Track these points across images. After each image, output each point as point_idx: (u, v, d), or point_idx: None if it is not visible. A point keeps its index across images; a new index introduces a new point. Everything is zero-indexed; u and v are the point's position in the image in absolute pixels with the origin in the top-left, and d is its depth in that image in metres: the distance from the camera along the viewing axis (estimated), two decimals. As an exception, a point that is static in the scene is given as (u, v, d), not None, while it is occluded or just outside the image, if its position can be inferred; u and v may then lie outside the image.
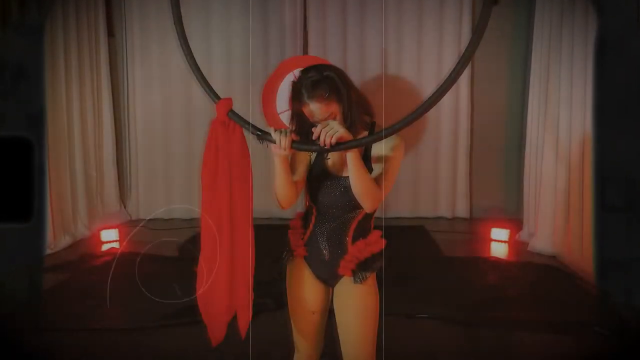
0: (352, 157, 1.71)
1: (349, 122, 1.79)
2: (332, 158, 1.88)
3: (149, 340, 3.22)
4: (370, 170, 1.84)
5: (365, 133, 1.86)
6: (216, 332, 1.90)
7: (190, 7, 5.95)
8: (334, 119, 1.76)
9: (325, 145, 1.67)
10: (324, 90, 1.75)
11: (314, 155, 1.91)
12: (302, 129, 1.85)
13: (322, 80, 1.76)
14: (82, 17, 5.57)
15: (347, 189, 1.81)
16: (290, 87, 1.82)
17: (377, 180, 1.81)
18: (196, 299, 1.89)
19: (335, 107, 1.77)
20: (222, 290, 1.85)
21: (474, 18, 6.06)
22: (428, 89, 6.08)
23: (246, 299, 1.85)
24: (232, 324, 1.90)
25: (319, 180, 1.89)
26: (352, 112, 1.79)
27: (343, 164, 1.86)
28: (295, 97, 1.79)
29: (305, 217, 1.99)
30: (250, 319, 1.87)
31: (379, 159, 1.85)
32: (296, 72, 1.90)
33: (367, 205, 1.82)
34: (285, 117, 5.36)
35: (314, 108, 1.75)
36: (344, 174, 1.85)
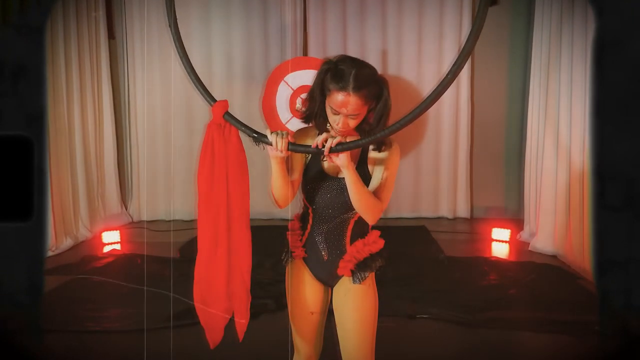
0: (348, 175, 1.71)
1: (366, 132, 1.78)
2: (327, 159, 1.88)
3: (149, 343, 3.23)
4: (367, 173, 1.84)
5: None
6: (214, 334, 1.90)
7: (190, 8, 5.96)
8: (354, 119, 1.74)
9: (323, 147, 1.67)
10: (371, 92, 1.72)
11: (309, 155, 1.91)
12: (312, 110, 1.82)
13: (374, 81, 1.73)
14: (83, 19, 5.57)
15: (343, 189, 1.80)
16: (329, 67, 1.75)
17: (377, 191, 1.81)
18: (194, 301, 1.89)
19: (364, 112, 1.75)
20: (220, 292, 1.84)
21: (474, 18, 6.06)
22: (428, 89, 6.08)
23: (244, 301, 1.85)
24: (231, 326, 1.89)
25: (315, 181, 1.89)
26: (378, 127, 1.76)
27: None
28: (334, 79, 1.71)
29: (302, 218, 1.99)
30: (248, 321, 1.86)
31: (376, 164, 1.85)
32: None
33: (369, 219, 1.83)
34: (284, 89, 5.36)
35: (352, 101, 1.69)
36: (340, 175, 1.84)
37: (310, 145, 1.72)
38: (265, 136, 1.72)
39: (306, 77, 5.35)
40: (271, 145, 1.70)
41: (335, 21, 6.10)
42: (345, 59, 1.75)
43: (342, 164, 1.69)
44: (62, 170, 5.22)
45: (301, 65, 5.52)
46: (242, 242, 1.81)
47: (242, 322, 1.86)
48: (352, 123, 1.75)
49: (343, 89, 1.69)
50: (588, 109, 4.19)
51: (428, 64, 6.13)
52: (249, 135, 1.76)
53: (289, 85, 5.44)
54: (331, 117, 1.76)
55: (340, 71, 1.70)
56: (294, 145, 1.73)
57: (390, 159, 1.83)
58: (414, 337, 3.29)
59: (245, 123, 1.79)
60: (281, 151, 1.69)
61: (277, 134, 1.69)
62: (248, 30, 6.14)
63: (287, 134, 1.71)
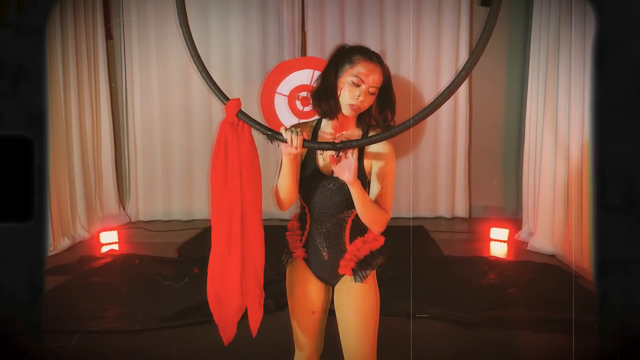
0: (354, 190, 1.73)
1: (367, 127, 1.85)
2: (324, 157, 1.87)
3: (149, 343, 3.22)
4: (362, 171, 1.84)
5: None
6: (227, 331, 1.90)
7: (189, 9, 5.94)
8: (372, 95, 1.79)
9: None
10: (384, 74, 1.80)
11: (304, 153, 1.90)
12: (325, 90, 1.82)
13: (384, 66, 1.82)
14: (80, 19, 5.56)
15: (338, 188, 1.81)
16: (345, 48, 1.86)
17: (380, 201, 1.82)
18: (207, 298, 1.89)
19: (376, 93, 1.80)
20: (234, 288, 1.84)
21: (472, 20, 6.08)
22: (426, 89, 6.09)
23: (257, 297, 1.85)
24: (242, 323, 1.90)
25: (310, 180, 1.88)
26: (382, 115, 1.82)
27: None
28: (359, 51, 1.81)
29: (301, 218, 1.98)
30: (262, 317, 1.87)
31: (373, 164, 1.85)
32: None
33: (375, 230, 1.85)
34: (280, 99, 5.35)
35: (377, 71, 1.78)
36: (335, 174, 1.84)
37: (325, 141, 1.72)
38: (280, 133, 1.72)
39: (296, 79, 5.36)
40: (285, 142, 1.71)
41: (334, 21, 6.11)
42: (358, 46, 1.85)
43: (348, 180, 1.71)
44: (60, 171, 5.20)
45: (288, 69, 5.48)
46: (255, 239, 1.82)
47: (255, 318, 1.86)
48: (369, 100, 1.79)
49: (370, 59, 1.78)
50: (587, 109, 4.20)
51: (426, 63, 6.14)
52: (263, 133, 1.76)
53: (282, 94, 5.41)
54: (351, 92, 1.78)
55: (364, 48, 1.83)
56: (309, 142, 1.74)
57: (388, 160, 1.83)
58: (414, 336, 3.29)
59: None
60: (296, 148, 1.70)
61: (292, 131, 1.70)
62: (246, 30, 6.14)
63: (302, 130, 1.72)
